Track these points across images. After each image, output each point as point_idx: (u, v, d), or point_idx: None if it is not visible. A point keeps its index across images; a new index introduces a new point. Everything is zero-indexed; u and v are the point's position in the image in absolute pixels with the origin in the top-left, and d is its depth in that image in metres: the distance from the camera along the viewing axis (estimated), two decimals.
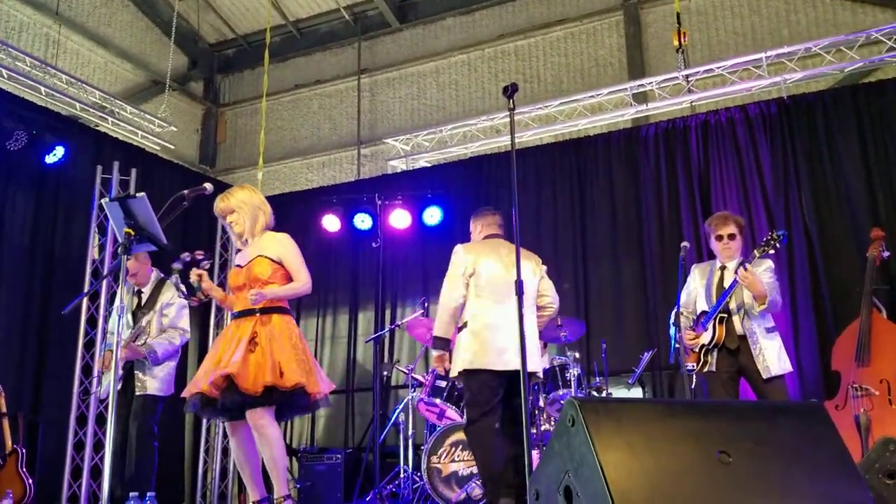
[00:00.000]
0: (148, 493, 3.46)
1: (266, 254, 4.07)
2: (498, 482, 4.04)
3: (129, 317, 5.02)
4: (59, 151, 6.70)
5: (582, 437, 2.10)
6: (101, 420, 6.75)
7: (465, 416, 4.36)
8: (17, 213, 6.86)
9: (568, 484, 2.16)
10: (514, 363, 4.07)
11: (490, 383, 4.16)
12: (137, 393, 4.94)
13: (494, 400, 4.18)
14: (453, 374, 4.32)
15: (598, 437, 2.07)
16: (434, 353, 4.52)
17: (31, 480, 5.75)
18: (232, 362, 3.78)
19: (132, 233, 3.52)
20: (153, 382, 4.96)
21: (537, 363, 4.28)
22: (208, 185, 4.13)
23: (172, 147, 9.66)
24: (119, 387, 4.65)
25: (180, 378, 7.80)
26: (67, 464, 6.67)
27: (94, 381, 4.96)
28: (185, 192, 3.95)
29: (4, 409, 6.07)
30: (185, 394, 3.97)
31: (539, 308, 4.50)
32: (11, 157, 6.60)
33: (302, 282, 4.09)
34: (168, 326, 5.06)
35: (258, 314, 3.96)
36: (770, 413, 2.34)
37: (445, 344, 4.41)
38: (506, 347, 4.13)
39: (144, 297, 5.13)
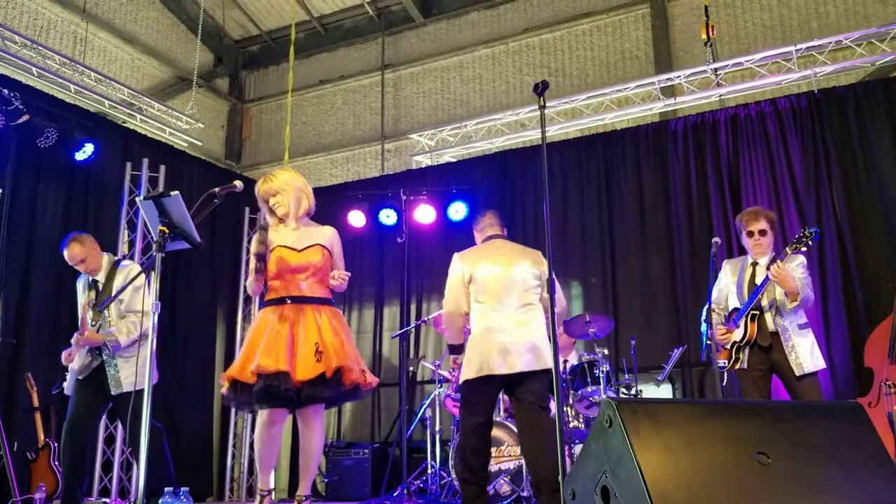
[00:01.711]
0: (182, 489, 3.46)
1: (323, 242, 4.11)
2: (472, 472, 4.11)
3: (91, 313, 4.67)
4: (89, 148, 6.76)
5: (619, 437, 2.09)
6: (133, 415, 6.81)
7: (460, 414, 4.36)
8: (48, 210, 6.93)
9: (605, 484, 2.15)
10: (519, 365, 4.06)
11: (486, 387, 4.16)
12: (114, 392, 4.57)
13: (492, 398, 4.22)
14: (462, 380, 4.30)
15: (636, 438, 2.06)
16: (450, 359, 4.66)
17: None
18: (344, 355, 3.88)
19: (166, 230, 3.53)
20: (130, 378, 4.53)
21: (546, 360, 4.16)
22: (238, 183, 4.13)
23: (199, 143, 9.73)
24: (82, 377, 4.60)
25: (208, 363, 7.95)
26: (98, 458, 6.75)
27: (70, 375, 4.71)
28: (217, 189, 3.93)
29: (37, 404, 6.17)
30: (250, 376, 3.78)
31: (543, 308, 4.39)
32: (42, 154, 6.67)
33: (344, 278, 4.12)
34: (126, 311, 4.67)
35: (321, 304, 4.02)
36: (808, 413, 2.32)
37: (459, 349, 4.49)
38: (508, 349, 4.10)
39: (100, 286, 4.78)
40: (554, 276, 4.31)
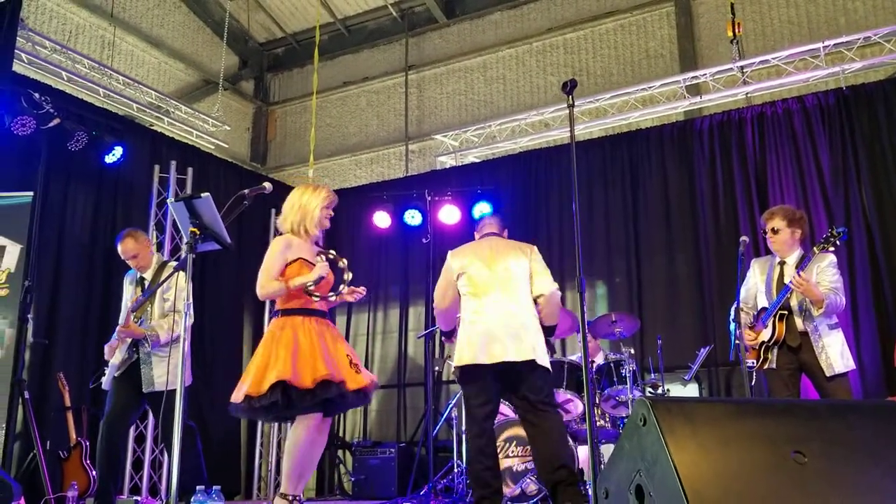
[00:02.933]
0: (214, 487, 3.50)
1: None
2: (476, 482, 4.14)
3: (132, 308, 4.72)
4: (118, 151, 6.84)
5: (654, 436, 2.08)
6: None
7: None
8: (78, 212, 7.02)
9: (640, 483, 2.15)
10: (502, 354, 4.09)
11: (477, 378, 4.21)
12: (146, 390, 4.62)
13: (487, 393, 4.22)
14: (453, 368, 4.45)
15: (671, 437, 2.06)
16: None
17: (94, 472, 5.90)
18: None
19: (197, 232, 3.57)
20: (162, 377, 4.57)
21: (531, 350, 4.13)
22: (267, 185, 4.16)
23: (225, 146, 9.81)
24: (118, 374, 4.65)
25: (236, 364, 7.99)
26: (129, 456, 6.83)
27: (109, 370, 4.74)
28: (246, 191, 3.97)
29: (69, 403, 6.25)
30: (319, 377, 3.81)
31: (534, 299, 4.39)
32: (73, 157, 6.76)
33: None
34: (169, 310, 4.73)
35: (326, 318, 4.15)
36: (844, 412, 2.30)
37: (450, 334, 4.67)
38: (492, 338, 4.13)
39: (147, 284, 4.85)
40: (534, 266, 4.36)
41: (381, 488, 7.14)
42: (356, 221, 9.06)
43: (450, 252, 4.55)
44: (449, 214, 8.04)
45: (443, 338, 4.79)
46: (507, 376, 4.19)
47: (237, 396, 3.80)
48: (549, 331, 4.51)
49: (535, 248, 4.47)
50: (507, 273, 4.31)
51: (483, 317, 4.22)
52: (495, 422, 5.71)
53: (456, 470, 6.33)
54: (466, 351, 4.21)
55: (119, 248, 4.85)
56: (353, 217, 9.13)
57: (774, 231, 4.65)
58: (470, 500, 5.77)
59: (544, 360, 4.18)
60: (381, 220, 8.31)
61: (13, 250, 6.11)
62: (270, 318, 8.45)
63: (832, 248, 4.40)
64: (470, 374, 4.23)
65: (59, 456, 6.15)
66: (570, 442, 5.52)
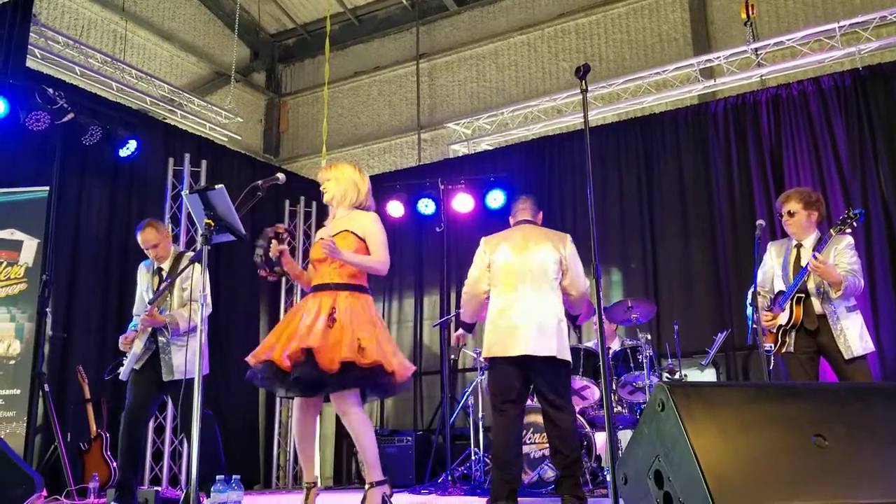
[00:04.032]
0: (233, 476, 3.52)
1: (352, 229, 4.01)
2: (502, 474, 4.18)
3: (150, 295, 4.78)
4: (132, 145, 6.86)
5: (673, 421, 2.08)
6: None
7: None
8: (93, 206, 7.07)
9: (659, 468, 2.15)
10: (524, 347, 4.11)
11: (505, 370, 4.23)
12: (166, 379, 4.64)
13: (512, 387, 4.23)
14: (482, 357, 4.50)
15: (690, 422, 2.05)
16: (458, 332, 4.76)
17: (115, 464, 5.96)
18: (313, 334, 3.68)
19: (212, 223, 3.58)
20: (181, 367, 4.58)
21: (553, 346, 4.15)
22: (281, 175, 4.17)
23: (238, 137, 9.83)
24: (138, 367, 4.68)
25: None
26: (149, 447, 6.88)
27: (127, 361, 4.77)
28: (260, 182, 3.98)
29: (88, 396, 6.31)
30: (252, 360, 3.85)
31: (562, 290, 4.38)
32: (87, 151, 6.79)
33: (379, 258, 3.97)
34: (188, 300, 4.75)
35: (337, 289, 3.88)
36: (866, 395, 2.29)
37: (468, 327, 4.67)
38: (517, 331, 4.16)
39: (164, 274, 4.87)
40: (570, 260, 4.32)
41: (399, 476, 7.16)
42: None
43: (483, 239, 4.54)
44: (462, 203, 8.03)
45: (460, 328, 4.72)
46: (532, 369, 4.23)
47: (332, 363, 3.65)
48: (573, 318, 4.59)
49: (570, 237, 4.43)
50: (537, 265, 4.29)
51: (510, 311, 4.24)
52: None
53: (473, 458, 6.34)
54: (493, 344, 4.26)
55: (139, 238, 4.88)
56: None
57: (790, 214, 4.61)
58: (486, 485, 5.79)
59: (565, 354, 4.20)
60: (395, 209, 8.31)
61: (30, 245, 6.16)
62: (286, 307, 8.55)
63: (849, 230, 4.36)
64: (496, 365, 4.29)
65: (79, 448, 6.21)
66: (587, 429, 5.53)
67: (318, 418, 4.01)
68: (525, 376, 4.26)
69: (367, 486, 3.85)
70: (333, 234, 3.99)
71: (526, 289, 4.24)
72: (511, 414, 4.26)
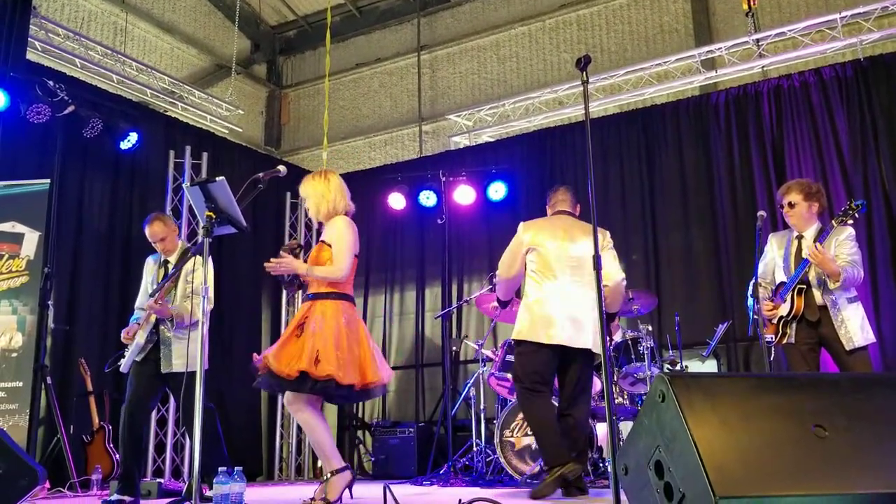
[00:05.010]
0: (236, 468, 3.53)
1: (326, 239, 4.09)
2: (551, 451, 4.21)
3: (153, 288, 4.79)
4: (133, 137, 6.86)
5: (673, 412, 2.08)
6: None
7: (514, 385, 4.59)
8: (95, 199, 7.07)
9: (659, 459, 2.15)
10: (559, 337, 4.23)
11: (539, 355, 4.31)
12: (164, 371, 4.66)
13: (544, 372, 4.33)
14: (512, 337, 4.59)
15: (690, 412, 2.06)
16: (494, 303, 4.99)
17: (117, 456, 5.98)
18: (278, 345, 3.89)
19: (213, 216, 3.58)
20: (181, 359, 4.62)
21: (589, 339, 4.30)
22: (282, 168, 4.17)
23: (239, 130, 9.83)
24: (139, 359, 4.68)
25: (255, 347, 8.05)
26: (151, 439, 6.90)
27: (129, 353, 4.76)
28: (261, 174, 3.99)
29: (91, 388, 6.33)
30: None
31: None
32: (88, 144, 6.80)
33: (335, 266, 3.99)
34: (192, 293, 4.73)
35: (317, 299, 3.97)
36: (867, 385, 2.28)
37: (505, 304, 4.86)
38: (554, 321, 4.26)
39: (170, 267, 4.88)
40: (605, 253, 4.35)
41: (401, 468, 7.19)
42: (371, 203, 9.05)
43: (522, 224, 4.58)
44: (464, 195, 8.03)
45: (495, 304, 4.95)
46: (560, 359, 4.32)
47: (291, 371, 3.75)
48: (611, 317, 4.67)
49: (608, 233, 4.53)
50: (577, 258, 4.37)
51: (548, 301, 4.31)
52: (514, 400, 5.76)
53: (475, 449, 6.36)
54: (527, 329, 4.33)
55: (147, 231, 4.90)
56: (368, 199, 9.10)
57: (791, 205, 4.61)
58: (494, 478, 5.81)
59: (598, 347, 4.27)
60: (396, 201, 8.31)
61: (32, 238, 6.16)
62: (289, 300, 8.56)
63: (851, 222, 4.36)
64: (527, 348, 4.35)
65: (82, 440, 6.24)
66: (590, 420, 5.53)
67: (320, 408, 4.03)
68: (557, 365, 4.36)
69: (328, 475, 3.86)
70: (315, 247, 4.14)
71: (566, 280, 4.33)
72: (547, 394, 4.36)
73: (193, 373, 3.48)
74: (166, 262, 4.93)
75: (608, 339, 4.78)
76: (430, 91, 10.28)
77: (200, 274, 4.62)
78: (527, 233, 4.51)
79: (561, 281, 4.33)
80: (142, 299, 4.91)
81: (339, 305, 3.97)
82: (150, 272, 4.96)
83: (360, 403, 8.68)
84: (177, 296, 4.78)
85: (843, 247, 4.45)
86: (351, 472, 3.91)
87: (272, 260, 3.97)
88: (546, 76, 9.38)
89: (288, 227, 8.83)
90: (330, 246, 4.04)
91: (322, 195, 4.18)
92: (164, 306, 4.62)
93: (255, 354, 3.99)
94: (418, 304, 8.67)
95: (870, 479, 2.04)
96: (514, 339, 4.47)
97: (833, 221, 4.38)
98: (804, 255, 4.48)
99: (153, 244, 4.93)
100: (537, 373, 4.33)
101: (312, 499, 3.81)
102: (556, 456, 4.18)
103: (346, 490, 3.90)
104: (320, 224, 4.25)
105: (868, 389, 2.26)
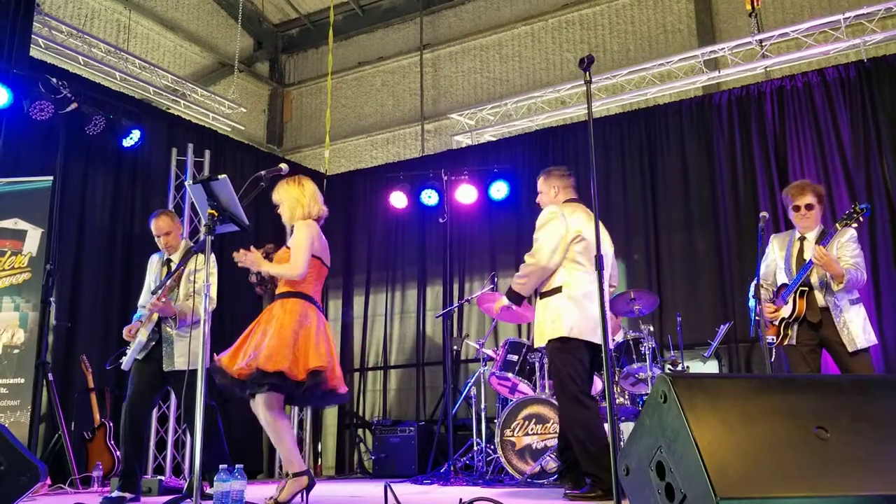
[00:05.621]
0: (237, 466, 3.53)
1: (289, 242, 4.17)
2: (602, 463, 3.92)
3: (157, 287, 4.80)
4: (136, 135, 6.87)
5: (675, 412, 2.08)
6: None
7: (559, 389, 4.18)
8: (97, 196, 7.07)
9: (660, 459, 2.15)
10: (598, 335, 3.97)
11: (584, 356, 4.14)
12: (166, 369, 4.67)
13: (588, 370, 4.18)
14: (545, 340, 4.18)
15: (692, 413, 2.06)
16: (503, 302, 4.46)
17: (118, 453, 5.99)
18: (232, 347, 3.97)
19: (215, 213, 3.58)
20: (182, 357, 4.65)
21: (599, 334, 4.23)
22: (284, 166, 4.20)
23: (242, 128, 9.83)
24: (141, 356, 4.69)
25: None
26: (152, 436, 6.91)
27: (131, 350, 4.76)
28: (263, 172, 4.02)
29: (92, 385, 6.34)
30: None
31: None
32: (91, 141, 6.80)
33: (291, 264, 4.03)
34: (194, 292, 4.74)
35: (278, 298, 4.07)
36: (869, 387, 2.28)
37: (519, 299, 4.36)
38: (597, 318, 4.04)
39: (173, 266, 4.89)
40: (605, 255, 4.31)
41: (402, 466, 7.20)
42: (372, 202, 9.07)
43: (557, 208, 4.30)
44: (465, 194, 8.03)
45: (506, 303, 4.44)
46: (593, 358, 4.21)
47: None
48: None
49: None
50: (609, 249, 4.35)
51: (594, 297, 4.01)
52: (516, 400, 5.77)
53: (475, 448, 6.37)
54: (579, 325, 4.07)
55: (153, 224, 4.94)
56: (370, 197, 9.14)
57: (809, 207, 4.59)
58: (494, 478, 5.80)
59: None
60: (398, 200, 8.31)
61: (34, 234, 6.16)
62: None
63: (855, 225, 4.35)
64: (576, 348, 4.10)
65: (83, 437, 6.24)
66: None
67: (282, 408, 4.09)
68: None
69: (287, 477, 3.91)
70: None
71: (605, 273, 4.03)
72: (595, 402, 4.14)
73: (195, 371, 3.47)
74: (169, 260, 4.96)
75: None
76: (432, 90, 10.28)
77: (204, 274, 4.64)
78: (572, 218, 4.22)
79: (603, 275, 4.20)
80: (145, 297, 4.93)
81: (296, 303, 4.00)
82: (153, 270, 4.98)
83: (361, 402, 8.69)
84: (180, 294, 4.79)
85: (846, 249, 4.45)
86: (309, 477, 3.92)
87: (240, 251, 4.03)
88: (548, 76, 9.37)
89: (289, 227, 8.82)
90: (288, 248, 4.11)
91: (297, 199, 4.22)
92: (167, 304, 4.63)
93: (214, 355, 4.01)
94: (419, 303, 8.67)
95: (871, 481, 2.04)
96: (557, 337, 4.09)
97: (837, 224, 4.38)
98: (806, 257, 4.48)
99: (156, 238, 4.95)
100: (585, 382, 4.07)
101: (271, 497, 3.85)
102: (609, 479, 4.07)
103: (301, 494, 3.91)
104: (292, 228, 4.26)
105: (869, 391, 2.26)
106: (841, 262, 4.35)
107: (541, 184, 4.62)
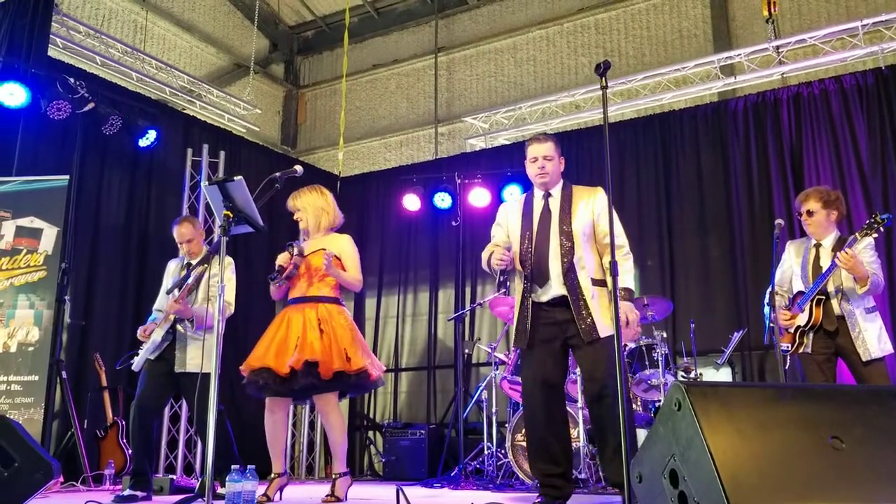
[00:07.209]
0: (248, 467, 3.54)
1: (333, 251, 4.36)
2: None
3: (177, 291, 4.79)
4: (152, 135, 6.90)
5: (689, 420, 2.07)
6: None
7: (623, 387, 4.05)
8: (113, 196, 7.12)
9: (674, 467, 2.14)
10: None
11: None
12: (177, 370, 4.70)
13: None
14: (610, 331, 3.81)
15: (706, 422, 2.04)
16: (628, 304, 3.95)
17: (130, 451, 6.01)
18: (312, 348, 4.14)
19: (230, 215, 3.60)
20: (195, 360, 4.66)
21: None
22: (298, 168, 4.23)
23: (256, 129, 9.87)
24: (154, 357, 4.72)
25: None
26: (164, 435, 6.94)
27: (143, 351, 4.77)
28: (277, 174, 4.04)
29: (105, 383, 6.37)
30: (246, 369, 4.31)
31: None
32: (107, 141, 6.85)
33: (355, 276, 4.45)
34: (212, 297, 4.74)
35: (320, 302, 4.32)
36: (885, 397, 2.26)
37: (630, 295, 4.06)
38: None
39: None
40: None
41: (412, 469, 7.19)
42: (386, 204, 9.08)
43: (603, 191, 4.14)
44: (479, 197, 8.01)
45: (624, 297, 4.02)
46: None
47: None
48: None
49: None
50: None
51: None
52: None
53: (486, 452, 6.35)
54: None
55: (175, 232, 4.97)
56: (383, 200, 9.15)
57: (809, 213, 4.58)
58: (505, 482, 5.78)
59: None
60: (411, 202, 8.32)
61: (50, 233, 6.20)
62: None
63: (875, 235, 4.32)
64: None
65: (96, 435, 6.28)
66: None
67: (322, 419, 4.45)
68: None
69: (336, 475, 4.32)
70: (310, 253, 4.41)
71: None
72: None
73: (207, 374, 3.50)
74: (189, 263, 4.95)
75: None
76: (446, 93, 10.28)
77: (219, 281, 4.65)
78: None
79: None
80: (161, 301, 4.93)
81: (344, 310, 4.44)
82: (171, 275, 4.99)
83: (372, 404, 8.70)
84: (198, 297, 4.80)
85: (863, 255, 4.42)
86: (287, 477, 4.42)
87: (326, 252, 4.27)
88: (563, 80, 9.36)
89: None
90: (338, 258, 4.39)
91: (322, 208, 4.51)
92: (185, 306, 4.65)
93: (241, 368, 4.32)
94: (431, 305, 8.67)
95: (886, 492, 2.03)
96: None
97: (857, 234, 4.34)
98: (822, 265, 4.46)
99: (179, 245, 4.97)
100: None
101: (265, 495, 4.17)
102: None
103: (280, 491, 4.35)
104: (338, 204, 4.58)
105: (885, 402, 2.24)
106: None
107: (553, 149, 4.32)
